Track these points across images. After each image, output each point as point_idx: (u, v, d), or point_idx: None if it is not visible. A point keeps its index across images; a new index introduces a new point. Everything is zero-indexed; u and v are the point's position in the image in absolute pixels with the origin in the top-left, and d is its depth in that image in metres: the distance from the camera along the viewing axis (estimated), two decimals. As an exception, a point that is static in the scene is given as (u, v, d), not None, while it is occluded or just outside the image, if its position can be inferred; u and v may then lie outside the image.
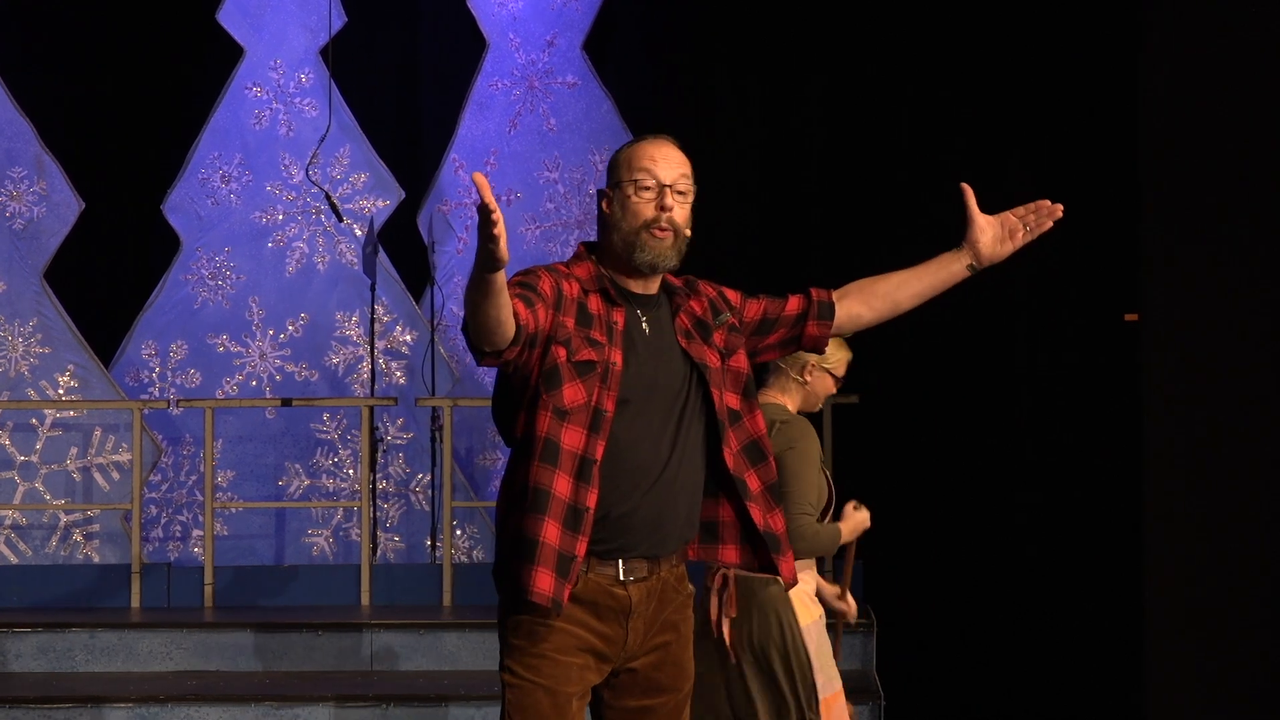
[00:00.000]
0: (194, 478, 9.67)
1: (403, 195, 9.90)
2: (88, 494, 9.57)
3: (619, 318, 4.07)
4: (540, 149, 9.95)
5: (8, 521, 9.53)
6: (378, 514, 9.52)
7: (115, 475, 9.57)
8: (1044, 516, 8.78)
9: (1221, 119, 5.88)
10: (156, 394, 9.72)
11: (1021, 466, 8.85)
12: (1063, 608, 8.61)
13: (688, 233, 4.10)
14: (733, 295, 4.28)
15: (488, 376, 9.47)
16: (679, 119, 9.24)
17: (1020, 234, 4.27)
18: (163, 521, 9.68)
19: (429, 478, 9.70)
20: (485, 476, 9.79)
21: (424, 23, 10.10)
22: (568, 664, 4.03)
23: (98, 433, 9.59)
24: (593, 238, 4.20)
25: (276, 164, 9.85)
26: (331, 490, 9.76)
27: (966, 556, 8.79)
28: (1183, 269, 5.93)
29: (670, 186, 4.06)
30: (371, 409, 9.18)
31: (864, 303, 4.29)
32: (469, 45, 9.98)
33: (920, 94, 9.11)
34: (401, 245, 9.92)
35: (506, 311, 3.82)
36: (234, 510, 9.65)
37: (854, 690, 6.21)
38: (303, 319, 9.84)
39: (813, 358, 5.35)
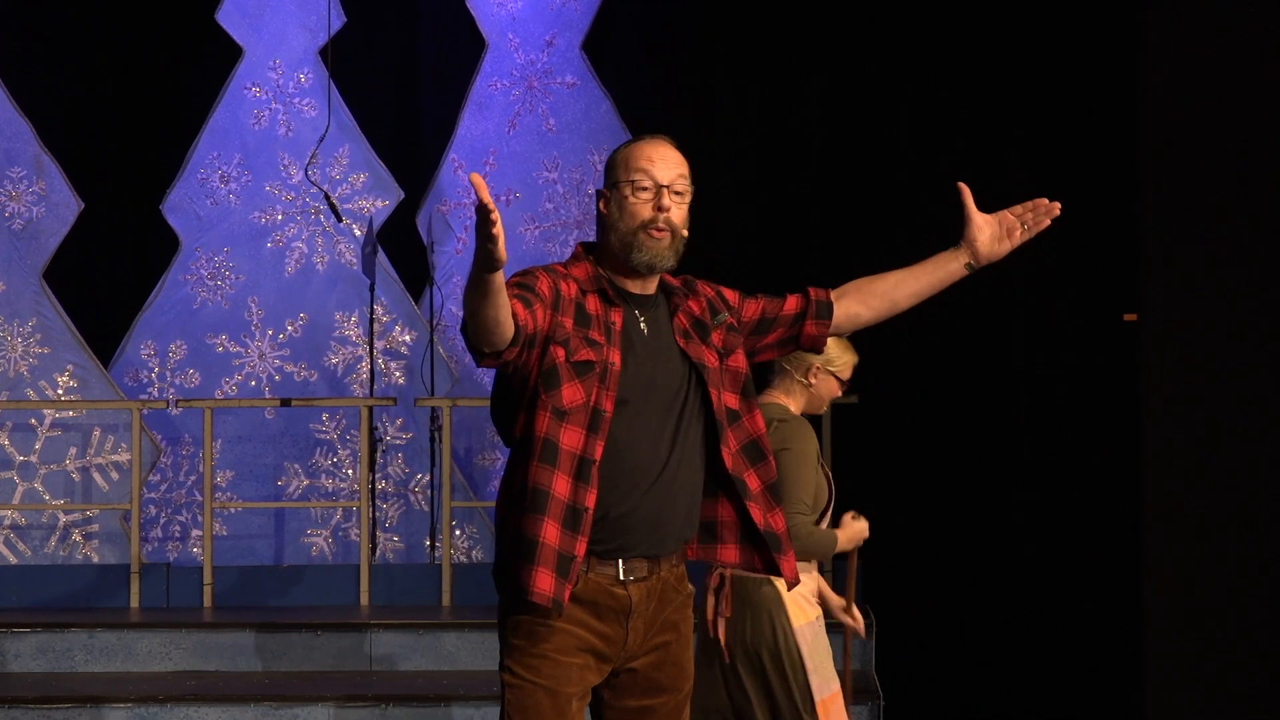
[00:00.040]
0: (193, 478, 9.66)
1: (402, 195, 9.90)
2: (87, 494, 9.56)
3: (617, 318, 4.06)
4: (539, 149, 9.94)
5: (7, 521, 9.53)
6: (377, 514, 9.52)
7: (114, 475, 9.57)
8: (1043, 516, 8.77)
9: (1221, 119, 5.87)
10: (156, 394, 9.71)
11: (1020, 466, 8.85)
12: (1062, 607, 8.60)
13: (685, 233, 4.10)
14: (731, 295, 4.27)
15: (487, 377, 9.46)
16: (678, 119, 9.24)
17: (1018, 232, 4.27)
18: (162, 521, 9.67)
19: (428, 478, 9.70)
20: (484, 477, 9.78)
21: (423, 23, 10.09)
22: (568, 664, 4.03)
23: (97, 433, 9.59)
24: (592, 238, 4.20)
25: (276, 164, 9.85)
26: (331, 490, 9.76)
27: (965, 556, 8.78)
28: (1182, 269, 5.92)
29: (668, 187, 4.05)
30: (371, 409, 9.18)
31: (862, 302, 4.29)
32: (468, 45, 9.98)
33: (919, 94, 9.11)
34: (401, 245, 9.91)
35: (505, 312, 3.82)
36: (233, 510, 9.64)
37: (853, 690, 6.20)
38: (302, 319, 9.84)
39: (818, 360, 5.35)
